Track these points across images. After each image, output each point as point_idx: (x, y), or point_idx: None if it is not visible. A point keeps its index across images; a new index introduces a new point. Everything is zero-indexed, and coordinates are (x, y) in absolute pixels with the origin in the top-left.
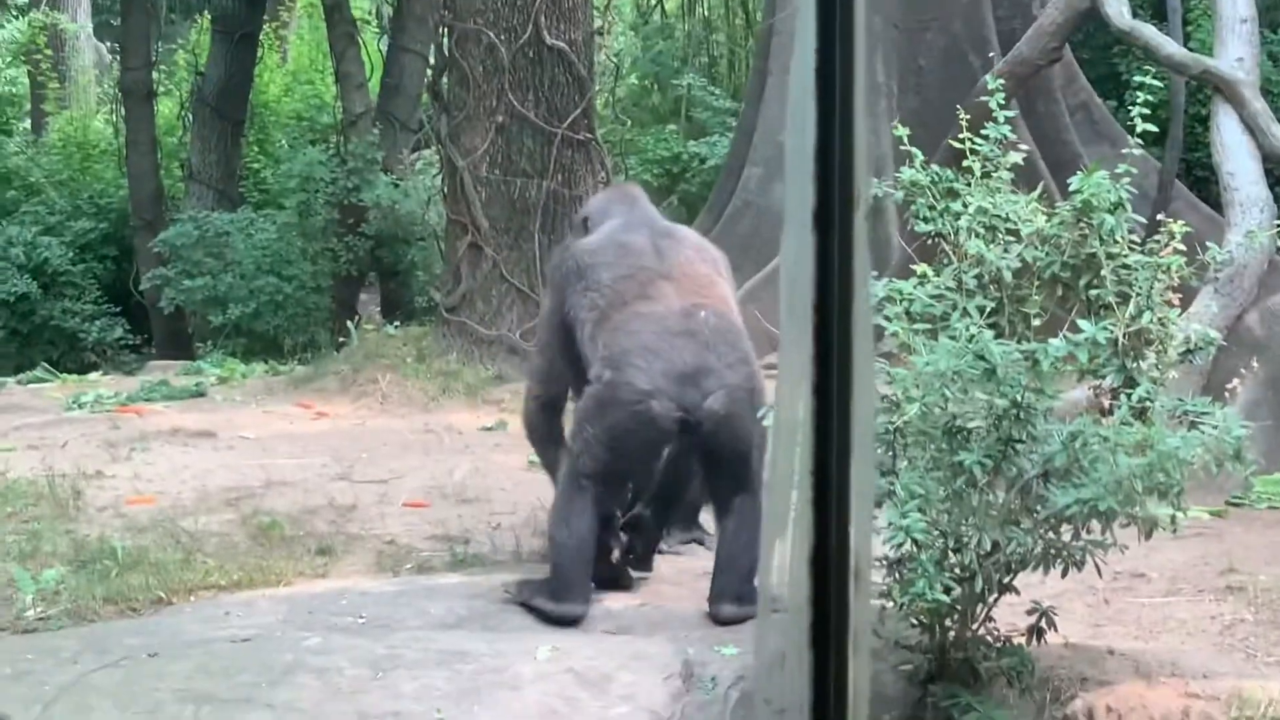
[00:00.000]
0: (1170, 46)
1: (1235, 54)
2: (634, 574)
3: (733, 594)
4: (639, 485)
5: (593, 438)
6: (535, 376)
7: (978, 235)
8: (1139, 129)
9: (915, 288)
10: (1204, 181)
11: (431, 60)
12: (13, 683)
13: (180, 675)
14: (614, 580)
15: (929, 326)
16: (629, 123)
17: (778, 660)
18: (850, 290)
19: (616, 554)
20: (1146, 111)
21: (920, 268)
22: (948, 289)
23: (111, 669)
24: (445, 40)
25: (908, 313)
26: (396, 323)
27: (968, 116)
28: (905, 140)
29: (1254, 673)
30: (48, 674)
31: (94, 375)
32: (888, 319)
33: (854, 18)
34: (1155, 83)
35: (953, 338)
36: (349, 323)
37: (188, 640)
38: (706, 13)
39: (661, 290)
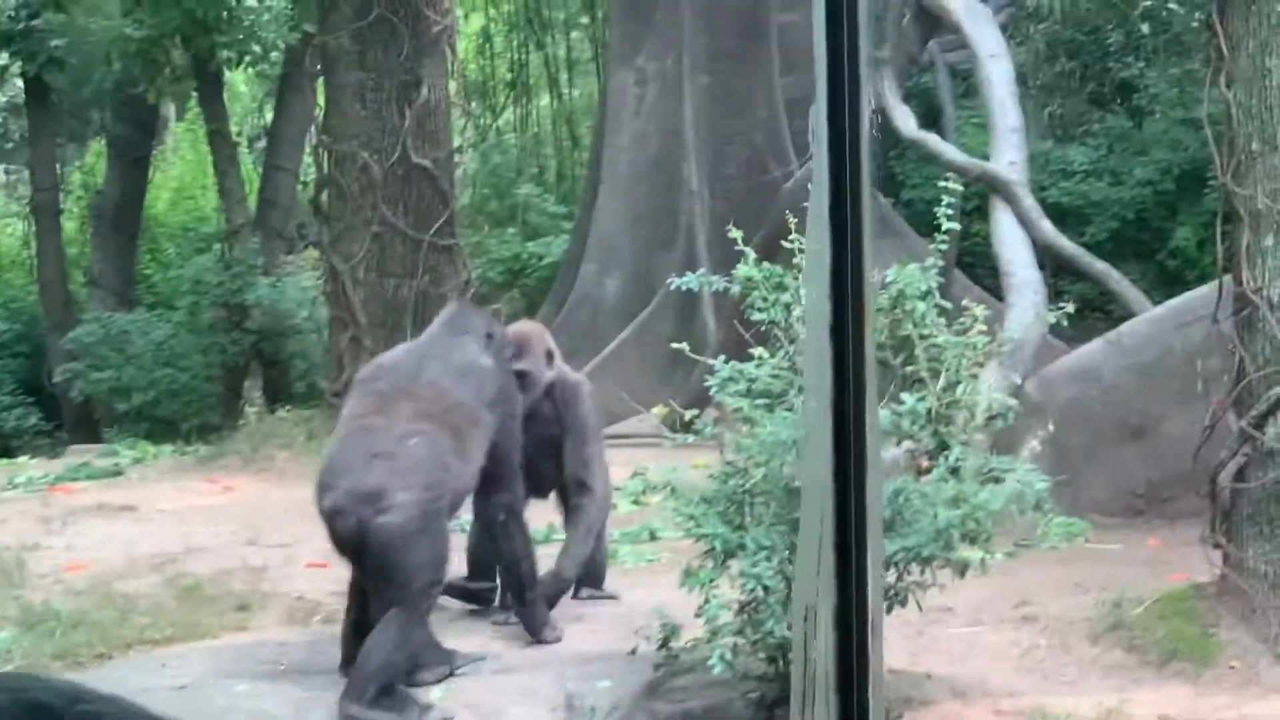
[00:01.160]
0: (952, 153)
1: (1008, 158)
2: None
3: (355, 694)
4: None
5: None
6: None
7: (806, 322)
8: (944, 226)
9: (757, 368)
10: (970, 267)
11: (301, 177)
12: None
13: None
14: None
15: (768, 401)
16: (486, 228)
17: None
18: (864, 388)
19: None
20: (950, 211)
21: (759, 351)
22: (783, 369)
23: None
24: (326, 160)
25: (749, 390)
26: (288, 407)
27: (795, 219)
28: (739, 241)
29: (1051, 690)
30: None
31: (22, 459)
32: (729, 396)
33: (861, 165)
34: (955, 186)
35: (790, 410)
36: (242, 406)
37: (130, 690)
38: (537, 129)
39: (396, 409)
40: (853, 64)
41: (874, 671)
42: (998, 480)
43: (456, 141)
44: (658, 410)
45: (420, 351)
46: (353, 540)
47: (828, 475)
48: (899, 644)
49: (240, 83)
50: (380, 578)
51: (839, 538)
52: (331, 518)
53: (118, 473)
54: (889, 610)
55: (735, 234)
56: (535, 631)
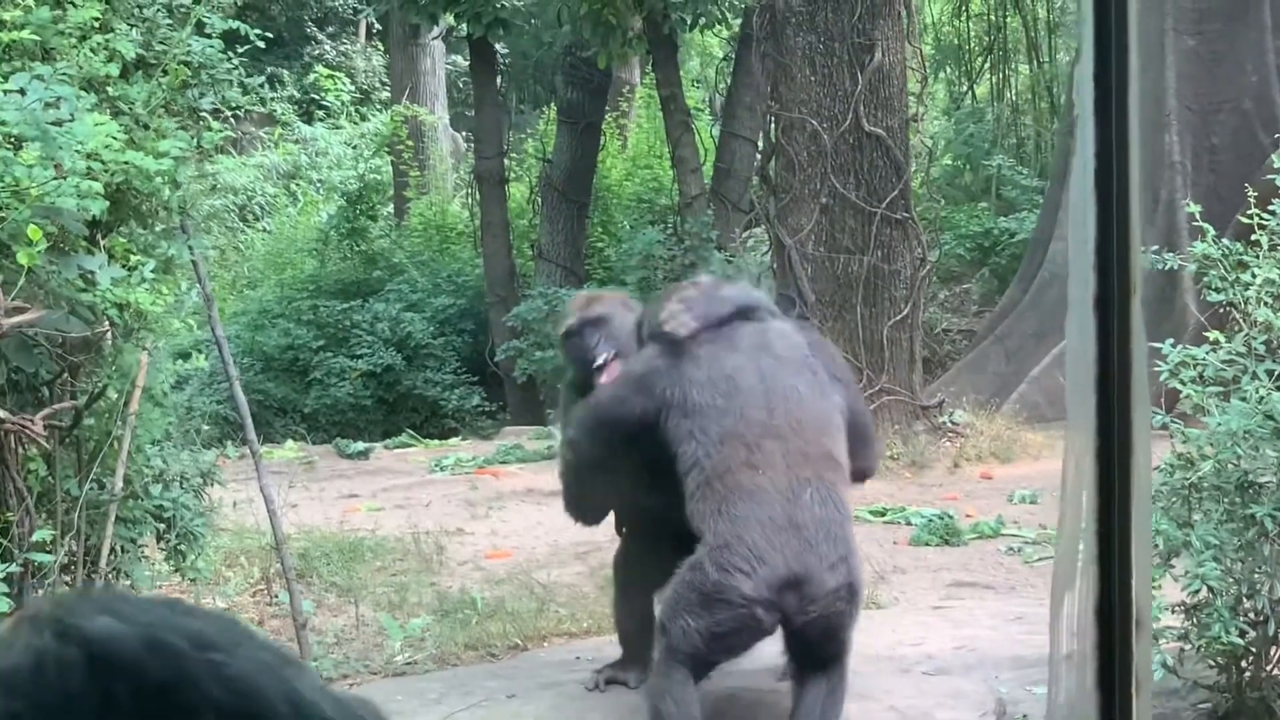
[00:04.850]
0: None
1: None
2: None
3: None
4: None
5: (693, 629)
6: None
7: (1266, 304)
8: None
9: (1208, 353)
10: None
11: (760, 146)
12: None
13: (535, 715)
14: None
15: (1221, 389)
16: (942, 201)
17: (1068, 703)
18: (1129, 366)
19: None
20: None
21: (1212, 334)
22: (1238, 354)
23: (474, 709)
24: (773, 128)
25: (1200, 376)
26: None
27: (1255, 193)
28: (1198, 216)
29: None
30: (415, 714)
31: (454, 440)
32: (1182, 383)
33: (1128, 131)
34: None
35: (1243, 399)
36: None
37: (542, 682)
38: (1014, 97)
39: (769, 456)
40: (1121, 21)
41: (1139, 671)
42: None
43: (913, 109)
44: None
45: (748, 351)
46: (771, 627)
47: (1088, 455)
48: None
49: (699, 48)
50: (816, 648)
51: (1100, 525)
52: (749, 607)
53: (550, 456)
54: None
55: (1193, 208)
56: None
